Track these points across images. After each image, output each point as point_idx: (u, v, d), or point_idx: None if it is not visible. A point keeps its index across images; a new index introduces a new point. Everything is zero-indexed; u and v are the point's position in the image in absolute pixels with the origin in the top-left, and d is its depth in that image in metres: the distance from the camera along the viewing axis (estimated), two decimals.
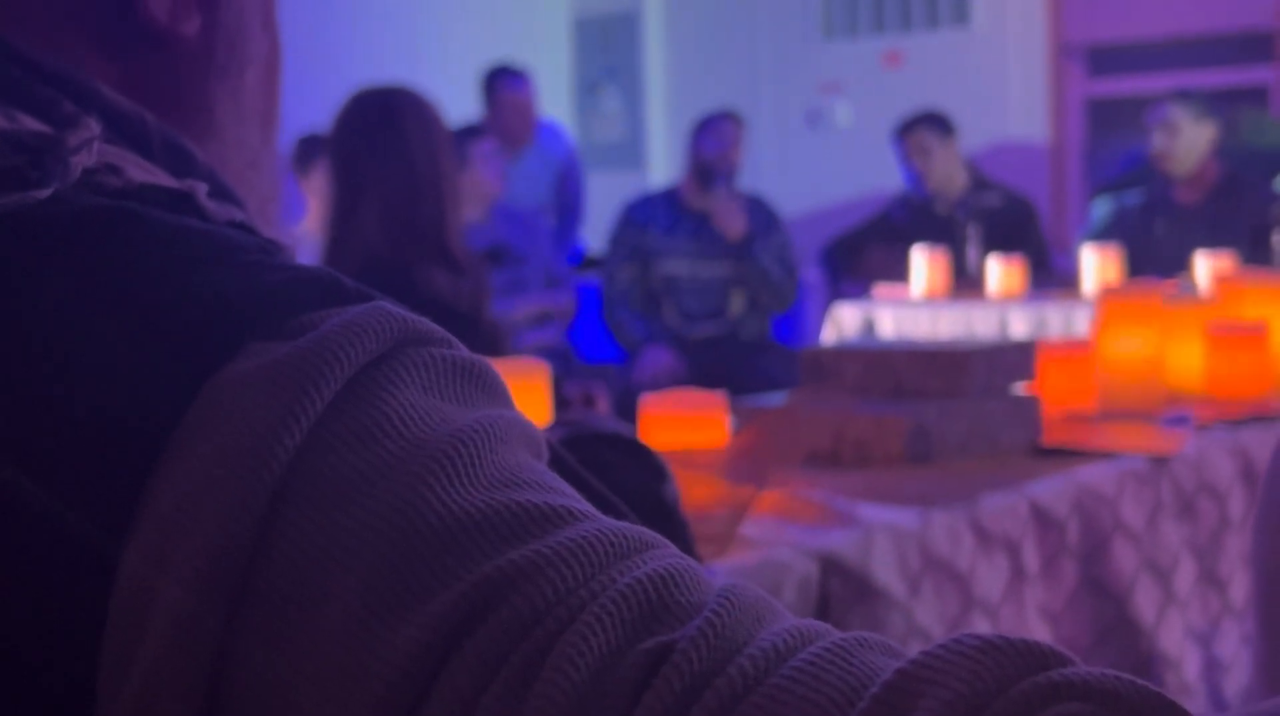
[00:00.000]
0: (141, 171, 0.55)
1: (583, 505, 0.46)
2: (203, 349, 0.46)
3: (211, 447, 0.44)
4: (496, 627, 0.40)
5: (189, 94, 0.63)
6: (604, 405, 2.96)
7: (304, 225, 4.22)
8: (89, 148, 0.53)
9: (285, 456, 0.44)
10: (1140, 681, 0.36)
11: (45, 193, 0.50)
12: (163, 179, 0.56)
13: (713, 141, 4.93)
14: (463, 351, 0.50)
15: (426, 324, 0.49)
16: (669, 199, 5.00)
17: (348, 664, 0.41)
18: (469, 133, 4.41)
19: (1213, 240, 4.20)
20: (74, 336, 0.47)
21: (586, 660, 0.39)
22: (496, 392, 0.50)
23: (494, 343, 2.68)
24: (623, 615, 0.40)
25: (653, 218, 4.95)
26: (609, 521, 0.45)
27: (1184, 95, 4.64)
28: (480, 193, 4.39)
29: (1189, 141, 4.50)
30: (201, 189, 0.56)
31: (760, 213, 4.93)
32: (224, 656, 0.42)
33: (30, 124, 0.53)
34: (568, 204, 5.64)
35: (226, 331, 0.47)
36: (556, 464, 0.56)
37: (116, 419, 0.45)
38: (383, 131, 2.62)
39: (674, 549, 0.45)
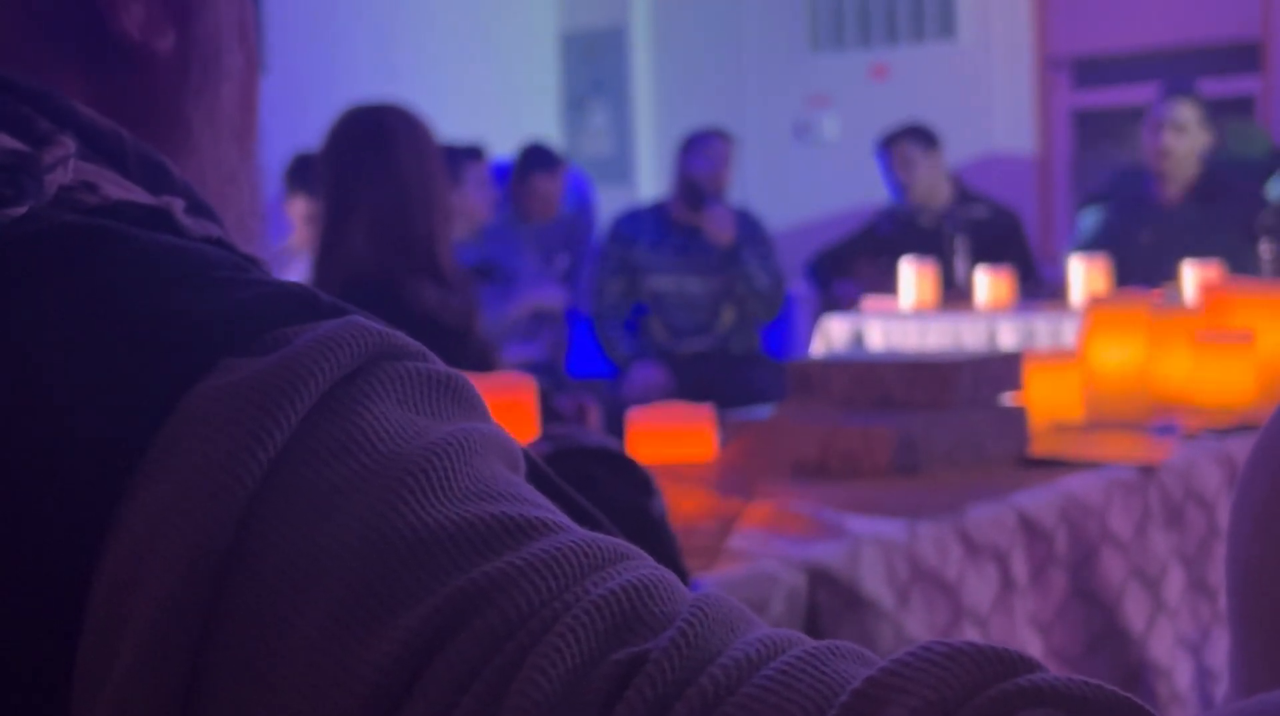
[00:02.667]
0: (118, 188, 0.55)
1: (557, 517, 0.46)
2: (176, 365, 0.46)
3: (184, 464, 0.44)
4: (470, 640, 0.40)
5: (164, 110, 0.63)
6: (596, 418, 2.96)
7: (291, 241, 4.22)
8: (64, 165, 0.53)
9: (259, 471, 0.44)
10: (1109, 687, 0.36)
11: (20, 210, 0.50)
12: (139, 195, 0.56)
13: (702, 161, 4.93)
14: (438, 365, 0.50)
15: (401, 338, 0.49)
16: (657, 214, 5.00)
17: (321, 678, 0.41)
18: (466, 153, 4.41)
19: (1198, 239, 4.20)
20: (48, 354, 0.47)
21: (559, 670, 0.39)
22: (472, 405, 0.50)
23: (484, 360, 2.68)
24: (596, 626, 0.40)
25: (640, 232, 4.95)
26: (583, 533, 0.45)
27: (1192, 96, 4.59)
28: (469, 214, 4.40)
29: (1192, 143, 4.48)
30: (178, 205, 0.56)
31: (746, 223, 4.95)
32: (198, 672, 0.42)
33: (5, 142, 0.53)
34: (576, 257, 5.59)
35: (200, 348, 0.47)
36: (536, 477, 0.56)
37: (90, 436, 0.45)
38: (374, 148, 2.62)
39: (649, 560, 0.45)
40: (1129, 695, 0.36)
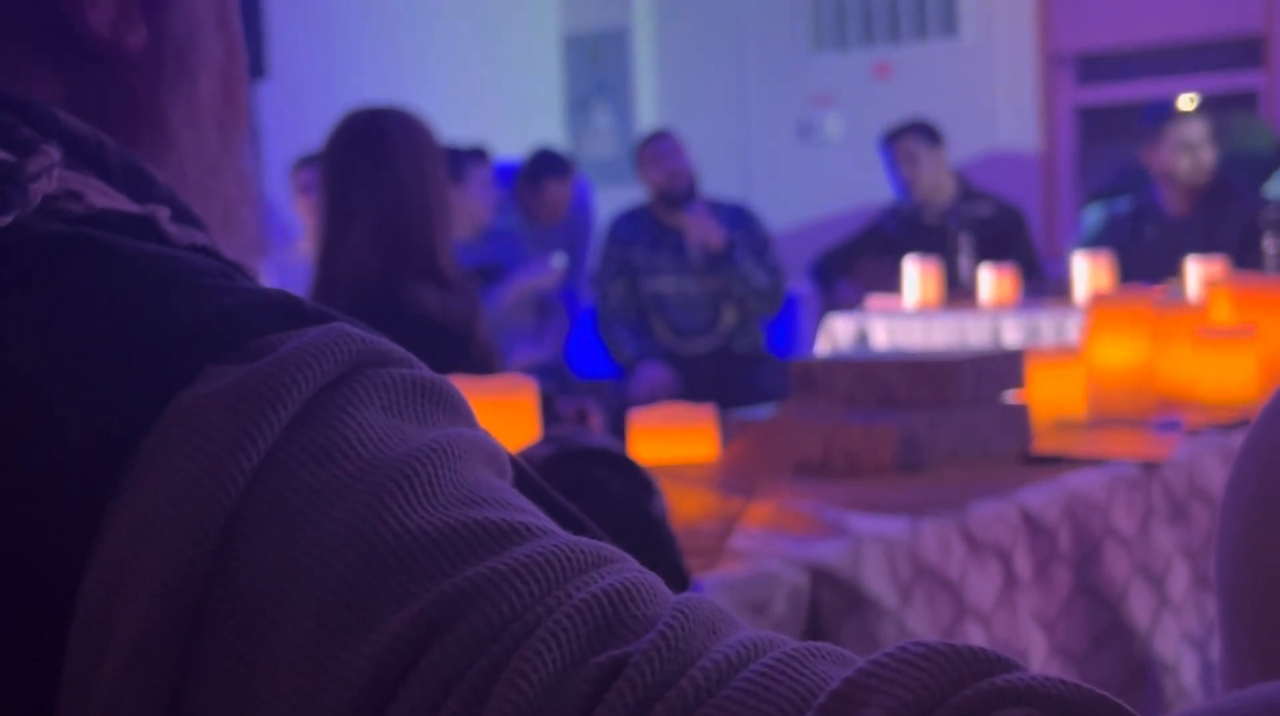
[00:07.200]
0: (103, 197, 0.55)
1: (541, 521, 0.46)
2: (161, 373, 0.47)
3: (169, 471, 0.44)
4: (453, 644, 0.41)
5: (140, 105, 0.63)
6: (597, 421, 2.95)
7: (301, 245, 4.23)
8: (49, 174, 0.53)
9: (242, 478, 0.44)
10: (1088, 686, 0.36)
11: (5, 220, 0.51)
12: (124, 204, 0.56)
13: (656, 169, 4.91)
14: (423, 370, 0.50)
15: (386, 343, 0.50)
16: (648, 215, 4.99)
17: (305, 683, 0.41)
18: (471, 155, 4.41)
19: (1203, 246, 4.19)
20: (33, 363, 0.47)
21: (540, 674, 0.39)
22: (458, 411, 0.50)
23: (486, 363, 2.68)
24: (578, 629, 0.41)
25: (637, 234, 4.95)
26: (567, 536, 0.45)
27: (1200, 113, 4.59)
28: (471, 216, 4.40)
29: (1203, 160, 4.46)
30: (163, 213, 0.57)
31: (739, 219, 4.92)
32: (184, 678, 0.43)
33: None
34: (575, 256, 5.58)
35: (185, 355, 0.47)
36: (522, 481, 0.56)
37: (76, 444, 0.45)
38: (372, 151, 2.62)
39: (633, 562, 0.45)
40: (1107, 695, 0.36)
